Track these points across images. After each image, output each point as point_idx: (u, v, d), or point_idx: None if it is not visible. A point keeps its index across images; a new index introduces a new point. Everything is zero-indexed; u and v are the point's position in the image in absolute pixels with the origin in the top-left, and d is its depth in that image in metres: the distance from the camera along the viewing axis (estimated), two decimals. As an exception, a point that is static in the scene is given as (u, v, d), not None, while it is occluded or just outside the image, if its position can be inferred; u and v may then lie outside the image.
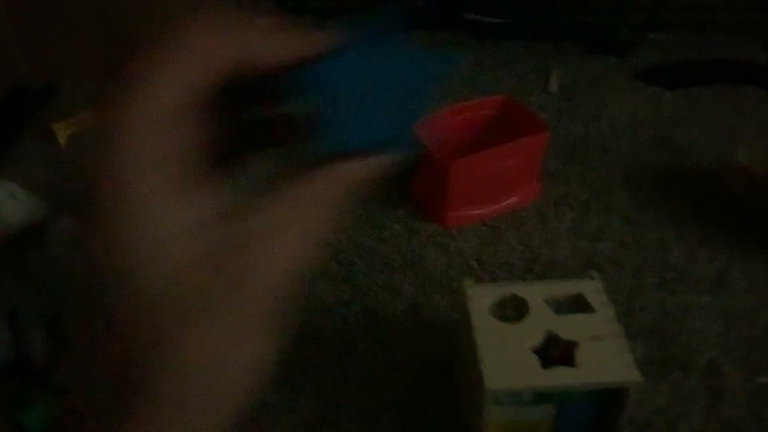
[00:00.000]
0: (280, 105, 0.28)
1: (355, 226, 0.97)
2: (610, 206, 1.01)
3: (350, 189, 0.26)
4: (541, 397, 0.61)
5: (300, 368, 0.78)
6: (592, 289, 0.67)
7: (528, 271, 0.89)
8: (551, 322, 0.64)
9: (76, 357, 0.26)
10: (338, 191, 0.26)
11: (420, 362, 0.78)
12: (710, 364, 0.77)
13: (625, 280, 0.88)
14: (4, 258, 0.79)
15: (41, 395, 0.71)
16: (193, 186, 0.25)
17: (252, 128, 0.29)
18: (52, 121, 1.11)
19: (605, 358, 0.60)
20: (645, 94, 1.26)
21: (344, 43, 0.25)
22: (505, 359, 0.61)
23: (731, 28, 1.40)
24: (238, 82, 0.25)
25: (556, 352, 0.62)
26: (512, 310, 0.67)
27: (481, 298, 0.66)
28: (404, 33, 0.25)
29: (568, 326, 0.63)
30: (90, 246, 0.25)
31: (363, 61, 0.25)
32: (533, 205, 1.00)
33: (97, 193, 0.25)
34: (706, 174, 1.06)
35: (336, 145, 0.25)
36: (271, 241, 0.25)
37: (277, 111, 0.28)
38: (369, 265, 0.90)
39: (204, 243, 0.24)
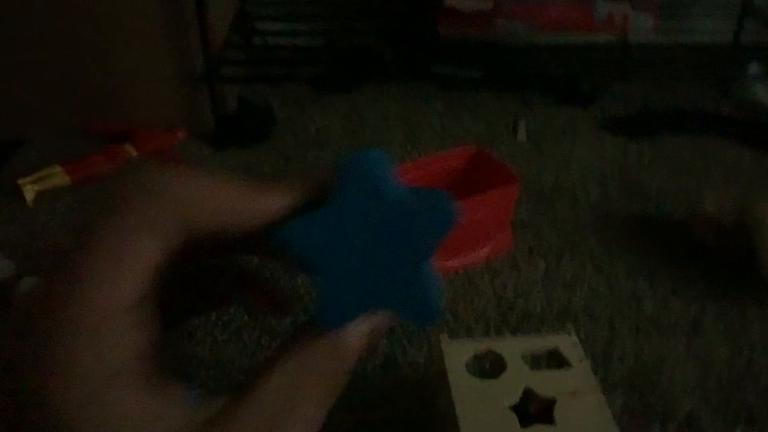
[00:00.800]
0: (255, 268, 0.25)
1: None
2: (582, 255, 1.01)
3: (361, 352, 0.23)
4: (521, 456, 0.59)
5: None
6: (568, 343, 0.67)
7: (503, 323, 0.89)
8: (528, 378, 0.63)
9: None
10: (354, 357, 0.23)
11: (397, 421, 0.76)
12: (689, 415, 0.77)
13: (600, 330, 0.88)
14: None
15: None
16: (158, 393, 0.20)
17: (214, 284, 0.26)
18: (18, 178, 1.09)
19: (584, 415, 0.59)
20: (611, 143, 1.28)
21: (327, 193, 0.22)
22: (483, 417, 0.60)
23: (692, 78, 1.44)
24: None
25: (534, 408, 0.61)
26: (489, 366, 0.66)
27: (457, 354, 0.65)
28: (391, 180, 0.23)
29: (546, 382, 0.62)
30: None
31: (351, 213, 0.22)
32: (506, 255, 1.00)
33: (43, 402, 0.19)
34: (676, 222, 1.07)
35: (341, 321, 0.22)
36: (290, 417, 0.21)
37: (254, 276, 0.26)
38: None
39: None
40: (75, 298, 0.20)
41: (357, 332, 0.22)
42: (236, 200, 0.21)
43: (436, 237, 0.23)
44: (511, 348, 0.66)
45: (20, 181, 1.09)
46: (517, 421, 0.60)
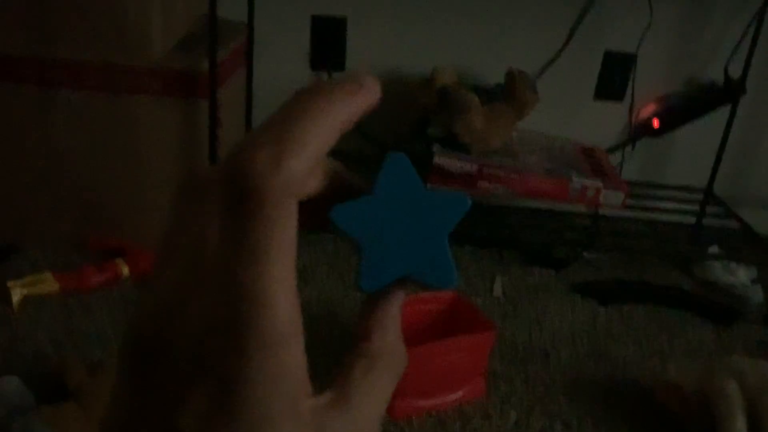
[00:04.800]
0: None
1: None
2: (551, 411, 1.04)
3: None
4: None
5: None
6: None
7: (473, 470, 0.90)
8: None
9: None
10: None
11: None
12: None
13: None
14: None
15: None
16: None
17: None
18: (8, 279, 1.12)
19: None
20: (581, 306, 1.34)
21: (372, 187, 0.28)
22: None
23: (657, 254, 1.55)
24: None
25: None
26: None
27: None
28: (417, 176, 0.29)
29: None
30: None
31: (389, 199, 0.28)
32: (479, 401, 1.03)
33: None
34: (642, 389, 1.11)
35: (380, 282, 0.28)
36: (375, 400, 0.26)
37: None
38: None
39: None
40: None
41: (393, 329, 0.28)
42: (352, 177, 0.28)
43: (455, 218, 0.28)
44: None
45: (10, 283, 1.11)
46: None
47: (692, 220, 1.57)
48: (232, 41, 1.36)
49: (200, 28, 1.24)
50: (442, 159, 1.46)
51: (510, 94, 1.52)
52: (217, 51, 1.18)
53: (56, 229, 1.26)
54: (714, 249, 1.50)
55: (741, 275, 1.45)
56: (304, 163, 0.23)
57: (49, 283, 1.14)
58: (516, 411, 1.03)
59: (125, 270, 1.21)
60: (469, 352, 1.00)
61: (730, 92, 1.52)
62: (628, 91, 1.60)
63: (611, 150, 1.65)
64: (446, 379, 1.00)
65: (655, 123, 1.61)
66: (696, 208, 1.56)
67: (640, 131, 1.64)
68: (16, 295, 1.10)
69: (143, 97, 1.18)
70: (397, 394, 0.93)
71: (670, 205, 1.56)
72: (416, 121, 1.56)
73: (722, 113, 1.52)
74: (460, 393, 1.02)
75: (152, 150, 1.23)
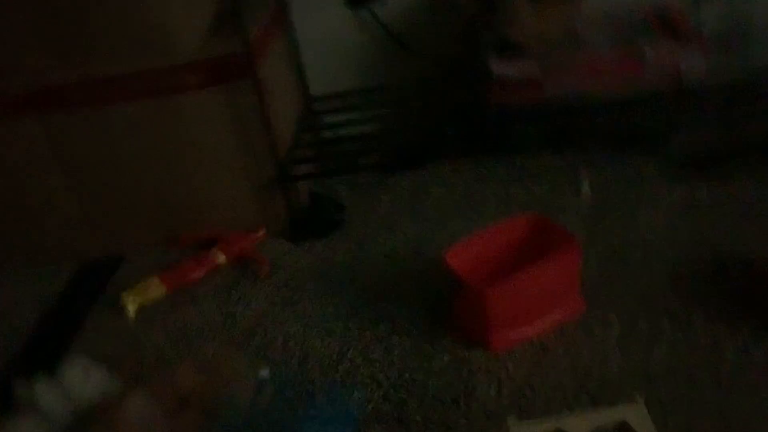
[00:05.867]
0: None
1: (402, 359, 1.00)
2: (657, 309, 1.01)
3: None
4: None
5: None
6: (637, 414, 0.68)
7: (581, 391, 0.89)
8: (598, 454, 0.64)
9: None
10: None
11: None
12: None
13: (680, 389, 0.87)
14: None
15: None
16: None
17: None
18: (121, 292, 1.21)
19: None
20: (677, 187, 1.27)
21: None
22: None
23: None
24: None
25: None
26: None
27: (527, 435, 0.68)
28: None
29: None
30: None
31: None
32: (579, 318, 1.01)
33: None
34: (751, 266, 1.05)
35: None
36: None
37: None
38: (421, 403, 0.92)
39: None
40: None
41: None
42: None
43: None
44: (579, 424, 0.68)
45: (123, 294, 1.20)
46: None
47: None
48: (263, 8, 1.34)
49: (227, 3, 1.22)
50: (500, 67, 1.39)
51: (558, -22, 1.41)
52: (248, 28, 1.18)
53: (150, 235, 1.34)
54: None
55: None
56: None
57: (156, 287, 1.22)
58: (619, 319, 1.00)
59: (221, 257, 1.27)
60: (557, 273, 0.98)
61: None
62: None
63: None
64: (540, 305, 0.99)
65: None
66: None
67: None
68: (132, 305, 1.19)
69: (189, 94, 1.20)
70: (491, 327, 0.94)
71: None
72: (465, 32, 1.49)
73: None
74: (557, 314, 1.01)
75: (210, 140, 1.26)
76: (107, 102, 1.22)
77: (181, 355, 1.08)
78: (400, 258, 1.22)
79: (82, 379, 0.96)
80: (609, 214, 1.24)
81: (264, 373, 0.97)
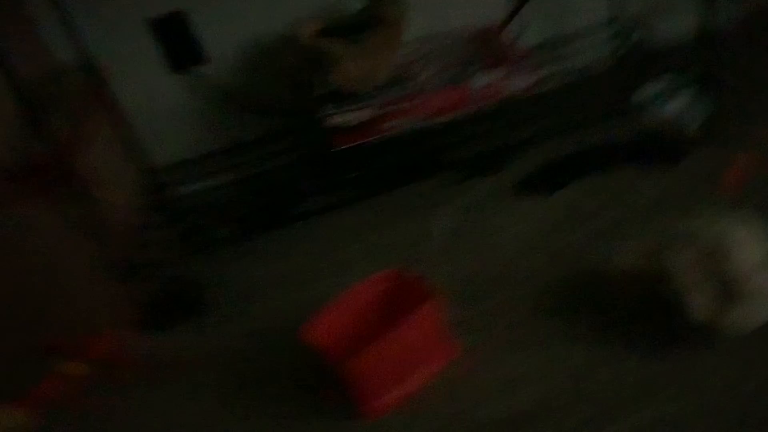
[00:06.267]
0: None
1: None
2: (519, 331, 1.03)
3: None
4: None
5: None
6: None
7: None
8: None
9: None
10: None
11: None
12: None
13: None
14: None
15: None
16: None
17: None
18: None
19: None
20: (528, 206, 1.30)
21: None
22: None
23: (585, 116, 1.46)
24: None
25: None
26: None
27: None
28: None
29: None
30: None
31: None
32: (456, 361, 1.02)
33: None
34: (602, 276, 1.08)
35: None
36: None
37: None
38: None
39: None
40: None
41: None
42: None
43: None
44: None
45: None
46: None
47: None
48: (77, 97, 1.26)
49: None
50: (335, 119, 1.37)
51: (377, 18, 1.40)
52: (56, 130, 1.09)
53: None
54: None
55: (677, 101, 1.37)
56: None
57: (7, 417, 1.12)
58: (487, 346, 1.03)
59: (81, 369, 1.18)
60: (419, 330, 0.98)
61: None
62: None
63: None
64: (409, 363, 0.98)
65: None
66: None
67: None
68: None
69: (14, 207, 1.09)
70: (361, 396, 0.90)
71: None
72: (295, 85, 1.46)
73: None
74: (431, 367, 1.00)
75: (48, 247, 1.16)
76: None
77: None
78: (267, 333, 1.17)
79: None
80: (464, 247, 1.24)
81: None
